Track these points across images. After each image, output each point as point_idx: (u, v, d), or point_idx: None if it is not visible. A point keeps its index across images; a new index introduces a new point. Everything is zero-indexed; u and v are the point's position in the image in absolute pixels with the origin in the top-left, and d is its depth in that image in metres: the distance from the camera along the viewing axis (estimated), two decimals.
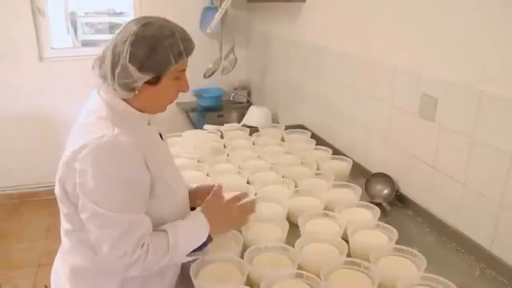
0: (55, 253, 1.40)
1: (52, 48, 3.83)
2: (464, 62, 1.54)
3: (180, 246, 1.23)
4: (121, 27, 1.22)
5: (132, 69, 1.16)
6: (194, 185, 1.60)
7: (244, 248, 1.45)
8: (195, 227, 1.28)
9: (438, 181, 1.71)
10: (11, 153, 3.82)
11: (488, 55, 1.45)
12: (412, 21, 1.78)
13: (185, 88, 1.31)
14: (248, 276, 1.33)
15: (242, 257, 1.40)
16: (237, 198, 1.43)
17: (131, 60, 1.16)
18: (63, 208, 1.28)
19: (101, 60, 1.23)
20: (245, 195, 1.48)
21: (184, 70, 1.28)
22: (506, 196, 1.42)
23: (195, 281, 1.30)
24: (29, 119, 3.78)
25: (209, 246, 1.31)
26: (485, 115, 1.47)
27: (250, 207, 1.46)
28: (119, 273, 1.22)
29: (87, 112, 1.25)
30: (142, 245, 1.16)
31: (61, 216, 1.31)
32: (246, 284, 1.30)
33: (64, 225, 1.32)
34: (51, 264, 1.42)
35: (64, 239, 1.35)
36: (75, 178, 1.14)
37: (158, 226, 1.26)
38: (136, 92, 1.21)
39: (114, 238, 1.13)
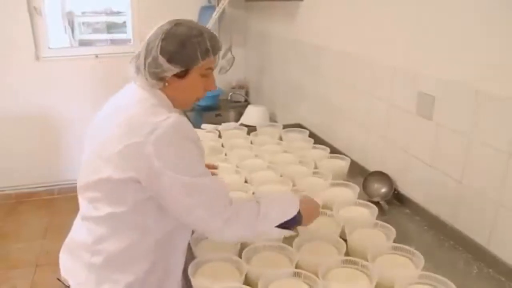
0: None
1: (49, 47, 3.83)
2: (461, 61, 1.54)
3: (270, 215, 1.30)
4: (155, 29, 1.33)
5: (162, 60, 1.27)
6: None
7: (242, 247, 1.45)
8: (287, 201, 1.37)
9: (436, 179, 1.71)
10: (8, 153, 3.82)
11: (485, 54, 1.45)
12: (410, 21, 1.78)
13: (212, 86, 1.39)
14: (246, 275, 1.33)
15: (240, 256, 1.40)
16: None
17: (161, 53, 1.27)
18: (112, 191, 1.27)
19: (136, 56, 1.34)
20: None
21: (211, 68, 1.36)
22: (504, 195, 1.42)
23: (193, 280, 1.30)
24: (26, 119, 3.78)
25: (298, 225, 1.38)
26: (482, 114, 1.47)
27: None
28: (218, 235, 1.28)
29: (129, 102, 1.32)
30: (230, 205, 1.26)
31: (95, 203, 1.30)
32: (244, 283, 1.30)
33: (103, 210, 1.28)
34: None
35: (97, 228, 1.31)
36: (149, 162, 1.19)
37: (174, 223, 1.33)
38: (166, 83, 1.31)
39: (208, 200, 1.23)
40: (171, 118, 1.21)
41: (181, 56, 1.28)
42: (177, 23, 1.32)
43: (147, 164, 1.19)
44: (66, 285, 1.37)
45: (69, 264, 1.40)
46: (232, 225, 1.25)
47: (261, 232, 1.31)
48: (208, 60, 1.33)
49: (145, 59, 1.30)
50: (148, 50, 1.30)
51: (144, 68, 1.30)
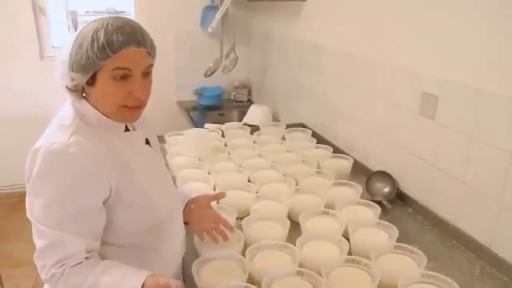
0: None
1: (53, 47, 3.84)
2: (464, 61, 1.55)
3: (100, 284, 1.07)
4: None
5: (67, 68, 1.11)
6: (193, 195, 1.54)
7: (246, 246, 1.46)
8: (127, 278, 1.08)
9: (439, 179, 1.71)
10: (12, 152, 3.81)
11: (488, 54, 1.45)
12: (412, 20, 1.79)
13: (135, 92, 1.12)
14: (249, 274, 1.33)
15: (243, 255, 1.41)
16: None
17: (61, 59, 1.12)
18: None
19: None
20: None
21: (127, 69, 1.10)
22: (506, 194, 1.42)
23: (197, 279, 1.30)
24: (29, 118, 3.78)
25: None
26: (485, 114, 1.48)
27: None
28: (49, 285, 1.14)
29: (55, 119, 1.20)
30: (61, 266, 1.08)
31: None
32: (248, 282, 1.29)
33: None
34: None
35: None
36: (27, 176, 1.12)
37: (137, 239, 1.22)
38: (84, 94, 1.15)
39: (38, 248, 1.09)
40: (55, 145, 1.07)
41: (78, 60, 1.08)
42: (93, 20, 1.12)
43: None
44: None
45: None
46: (52, 285, 1.10)
47: None
48: (112, 60, 1.07)
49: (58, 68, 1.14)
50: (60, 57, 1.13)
51: (60, 80, 1.15)
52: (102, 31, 1.07)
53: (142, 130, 1.30)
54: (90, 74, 1.09)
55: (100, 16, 1.13)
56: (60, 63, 1.13)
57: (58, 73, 1.14)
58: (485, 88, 1.46)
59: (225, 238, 1.44)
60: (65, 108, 1.20)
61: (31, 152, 1.11)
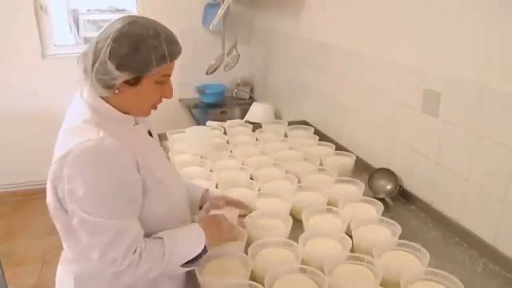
0: (60, 250, 1.39)
1: (54, 45, 3.84)
2: (467, 58, 1.54)
3: (176, 254, 1.20)
4: (106, 25, 1.18)
5: (110, 66, 1.12)
6: (203, 188, 1.60)
7: (248, 243, 1.45)
8: (192, 237, 1.26)
9: (442, 176, 1.71)
10: (15, 150, 3.83)
11: (491, 51, 1.45)
12: (415, 18, 1.78)
13: (169, 94, 1.25)
14: (252, 271, 1.34)
15: (246, 252, 1.41)
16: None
17: (110, 57, 1.12)
18: (59, 218, 1.24)
19: (83, 55, 1.19)
20: (246, 208, 1.55)
21: (169, 75, 1.22)
22: (510, 191, 1.42)
23: (199, 277, 1.31)
24: (32, 116, 3.79)
25: (204, 257, 1.29)
26: (488, 111, 1.47)
27: (239, 225, 1.46)
28: (111, 281, 1.19)
29: (71, 116, 1.23)
30: (134, 251, 1.13)
31: (58, 228, 1.28)
32: (250, 279, 1.30)
33: (63, 236, 1.29)
34: (55, 260, 1.42)
35: (66, 249, 1.33)
36: (64, 184, 1.13)
37: (154, 228, 1.24)
38: (116, 91, 1.17)
39: (103, 245, 1.11)
40: (91, 142, 1.10)
41: (132, 61, 1.12)
42: (131, 21, 1.15)
43: (63, 185, 1.13)
44: None
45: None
46: (130, 275, 1.14)
47: (166, 271, 1.22)
48: (165, 66, 1.17)
49: (93, 63, 1.14)
50: (96, 52, 1.14)
51: (92, 73, 1.15)
52: (162, 40, 1.14)
53: (144, 122, 1.35)
54: (137, 75, 1.15)
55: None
56: (98, 60, 1.14)
57: (90, 68, 1.15)
58: (489, 85, 1.46)
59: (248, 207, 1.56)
60: (78, 104, 1.23)
61: (62, 156, 1.12)
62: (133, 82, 1.16)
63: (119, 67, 1.12)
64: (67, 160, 1.11)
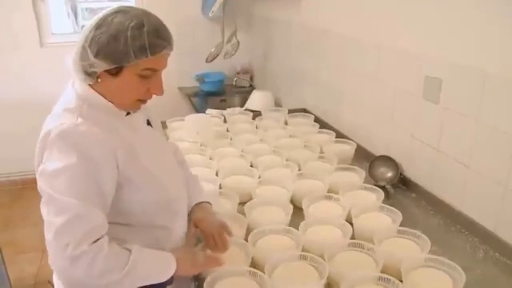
0: None
1: (52, 33, 3.82)
2: (469, 44, 1.52)
3: (139, 272, 1.11)
4: (99, 14, 1.17)
5: (89, 52, 1.10)
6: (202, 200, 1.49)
7: (248, 231, 1.45)
8: (162, 262, 1.17)
9: (442, 163, 1.70)
10: (13, 139, 3.82)
11: (493, 37, 1.43)
12: (416, 3, 1.76)
13: (156, 90, 1.19)
14: (252, 258, 1.34)
15: (246, 240, 1.41)
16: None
17: (91, 44, 1.10)
18: None
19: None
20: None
21: (155, 70, 1.16)
22: (511, 178, 1.41)
23: None
24: (30, 104, 3.77)
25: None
26: (490, 97, 1.46)
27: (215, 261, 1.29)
28: (64, 272, 1.09)
29: (58, 104, 1.21)
30: (95, 241, 1.06)
31: None
32: (251, 266, 1.29)
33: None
34: None
35: None
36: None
37: (143, 220, 1.23)
38: (98, 80, 1.15)
39: (59, 225, 1.04)
40: (64, 125, 1.09)
41: (110, 50, 1.10)
42: (119, 10, 1.13)
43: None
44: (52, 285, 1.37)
45: None
46: (85, 265, 1.04)
47: (122, 285, 1.10)
48: (146, 60, 1.12)
49: (77, 49, 1.14)
50: (81, 38, 1.13)
51: (76, 59, 1.14)
52: (144, 31, 1.10)
53: (142, 111, 1.31)
54: (115, 65, 1.11)
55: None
56: (81, 46, 1.13)
57: (75, 54, 1.14)
58: (491, 71, 1.44)
59: (225, 248, 1.35)
60: (67, 92, 1.22)
61: (42, 136, 1.13)
62: (114, 73, 1.13)
63: (97, 54, 1.10)
64: (43, 139, 1.12)
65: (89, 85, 1.17)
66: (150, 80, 1.16)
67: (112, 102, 1.19)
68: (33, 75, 3.74)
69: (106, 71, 1.13)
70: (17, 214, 3.57)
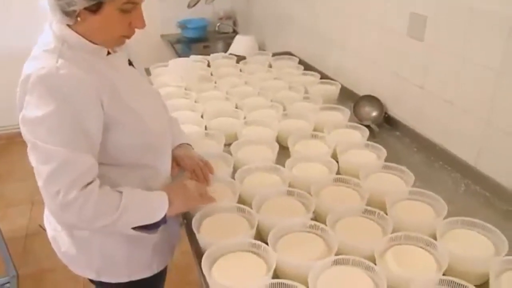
0: None
1: None
2: None
3: (131, 213, 1.13)
4: None
5: None
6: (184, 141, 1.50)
7: (235, 170, 1.46)
8: (154, 202, 1.18)
9: (427, 101, 1.71)
10: None
11: None
12: None
13: (138, 24, 1.15)
14: (239, 195, 1.35)
15: (233, 178, 1.42)
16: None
17: None
18: None
19: None
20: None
21: (135, 2, 1.12)
22: (492, 113, 1.43)
23: (198, 235, 1.24)
24: (14, 57, 3.65)
25: (161, 227, 1.22)
26: (474, 32, 1.45)
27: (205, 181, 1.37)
28: (57, 217, 1.11)
29: (37, 46, 1.17)
30: (82, 188, 1.06)
31: None
32: (238, 203, 1.30)
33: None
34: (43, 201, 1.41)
35: None
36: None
37: (131, 159, 1.23)
38: (78, 19, 1.09)
39: (47, 174, 1.04)
40: (44, 70, 1.06)
41: None
42: None
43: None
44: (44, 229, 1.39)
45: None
46: (76, 209, 1.06)
47: (116, 228, 1.13)
48: None
49: None
50: None
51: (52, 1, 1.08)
52: None
53: (123, 51, 1.28)
54: (95, 2, 1.06)
55: None
56: None
57: None
58: (476, 6, 1.43)
59: (208, 183, 1.38)
60: (45, 34, 1.17)
61: (21, 81, 1.09)
62: (94, 9, 1.08)
63: None
64: (23, 84, 1.08)
65: (69, 26, 1.12)
66: (131, 14, 1.12)
67: (93, 42, 1.15)
68: (15, 26, 3.58)
69: (85, 8, 1.07)
70: (3, 169, 3.55)
